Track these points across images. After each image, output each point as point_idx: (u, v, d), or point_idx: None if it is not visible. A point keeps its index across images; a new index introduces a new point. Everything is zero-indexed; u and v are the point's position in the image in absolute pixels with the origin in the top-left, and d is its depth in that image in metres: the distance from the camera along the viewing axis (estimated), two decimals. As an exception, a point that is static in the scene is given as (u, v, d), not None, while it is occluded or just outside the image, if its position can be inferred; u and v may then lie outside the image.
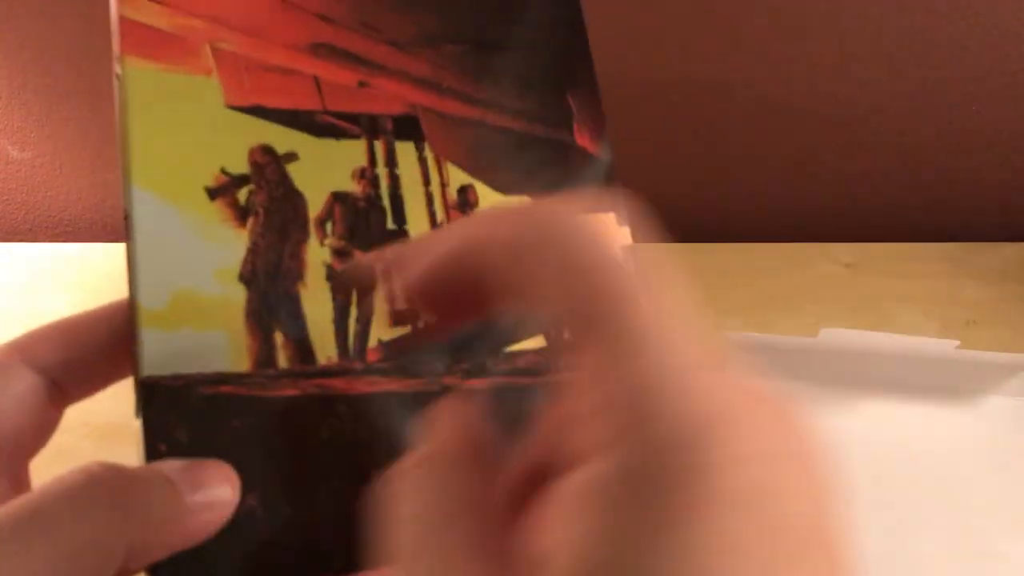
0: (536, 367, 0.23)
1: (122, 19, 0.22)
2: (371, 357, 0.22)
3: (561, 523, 0.13)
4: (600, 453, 0.13)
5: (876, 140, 0.60)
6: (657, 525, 0.12)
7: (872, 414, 0.49)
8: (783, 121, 0.60)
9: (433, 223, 0.24)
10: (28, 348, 0.21)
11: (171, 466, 0.19)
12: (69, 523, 0.16)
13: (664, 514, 0.12)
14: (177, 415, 0.20)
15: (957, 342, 0.47)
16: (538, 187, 0.25)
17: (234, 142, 0.22)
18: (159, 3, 0.22)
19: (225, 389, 0.20)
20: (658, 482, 0.12)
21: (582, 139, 0.26)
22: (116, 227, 0.67)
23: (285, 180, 0.23)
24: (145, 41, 0.22)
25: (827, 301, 0.57)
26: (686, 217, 0.66)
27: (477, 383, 0.23)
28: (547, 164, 0.26)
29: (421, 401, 0.22)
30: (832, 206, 0.65)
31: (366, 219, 0.24)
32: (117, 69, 0.22)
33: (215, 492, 0.19)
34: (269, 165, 0.23)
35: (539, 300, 0.14)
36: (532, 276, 0.14)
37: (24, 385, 0.20)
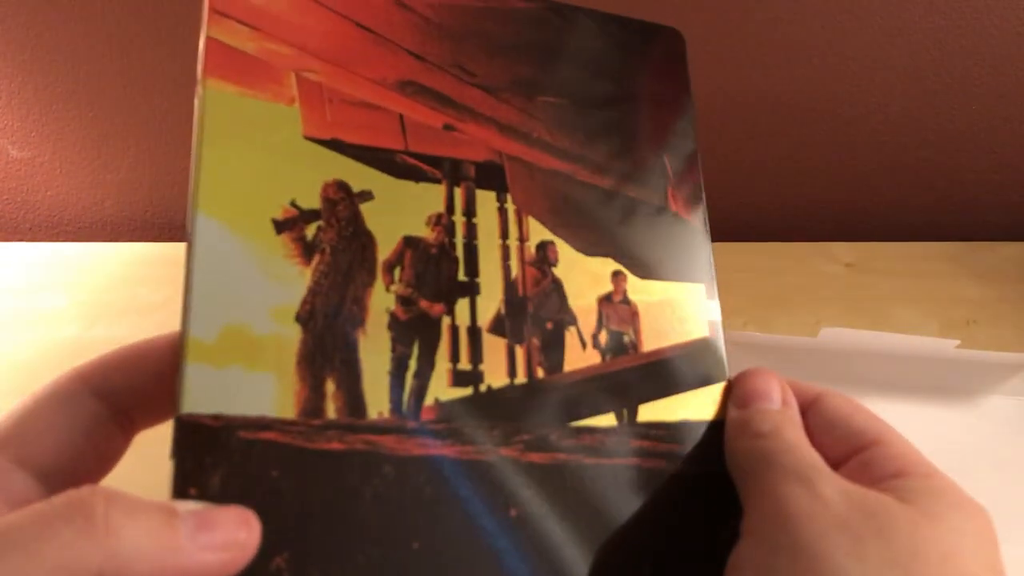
0: (602, 447, 0.22)
1: (209, 40, 0.21)
2: (425, 416, 0.21)
3: None
4: None
5: (876, 140, 0.61)
6: None
7: (872, 414, 0.49)
8: (783, 121, 0.60)
9: (507, 278, 0.23)
10: (93, 375, 0.20)
11: (184, 504, 0.18)
12: (33, 542, 0.15)
13: None
14: (212, 459, 0.19)
15: (957, 342, 0.47)
16: (624, 249, 0.25)
17: (308, 175, 0.21)
18: (250, 27, 0.22)
19: (266, 435, 0.19)
20: None
21: (676, 205, 0.26)
22: (116, 227, 0.67)
23: (357, 219, 0.22)
24: (229, 64, 0.21)
25: (827, 301, 0.57)
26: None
27: (537, 457, 0.21)
28: (636, 226, 0.25)
29: (473, 470, 0.21)
30: (832, 206, 0.65)
31: (436, 267, 0.22)
32: (199, 90, 0.21)
33: (225, 535, 0.17)
34: (342, 202, 0.22)
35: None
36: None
37: (87, 413, 0.19)
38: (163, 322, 0.55)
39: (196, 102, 0.21)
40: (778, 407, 0.23)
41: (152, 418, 0.21)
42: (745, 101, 0.59)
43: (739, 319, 0.55)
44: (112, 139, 0.61)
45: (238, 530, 0.18)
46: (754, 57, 0.56)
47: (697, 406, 0.24)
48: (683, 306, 0.25)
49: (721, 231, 0.63)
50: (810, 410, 0.24)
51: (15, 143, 0.61)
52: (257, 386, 0.19)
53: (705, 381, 0.24)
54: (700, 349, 0.25)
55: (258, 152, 0.21)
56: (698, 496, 0.23)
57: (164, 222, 0.67)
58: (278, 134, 0.21)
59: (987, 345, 0.52)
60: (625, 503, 0.22)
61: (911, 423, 0.52)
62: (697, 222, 0.26)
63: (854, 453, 0.22)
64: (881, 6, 0.53)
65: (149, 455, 0.21)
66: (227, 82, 0.21)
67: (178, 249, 0.60)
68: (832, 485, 0.20)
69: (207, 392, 0.19)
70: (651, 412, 0.23)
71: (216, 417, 0.19)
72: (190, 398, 0.19)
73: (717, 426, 0.24)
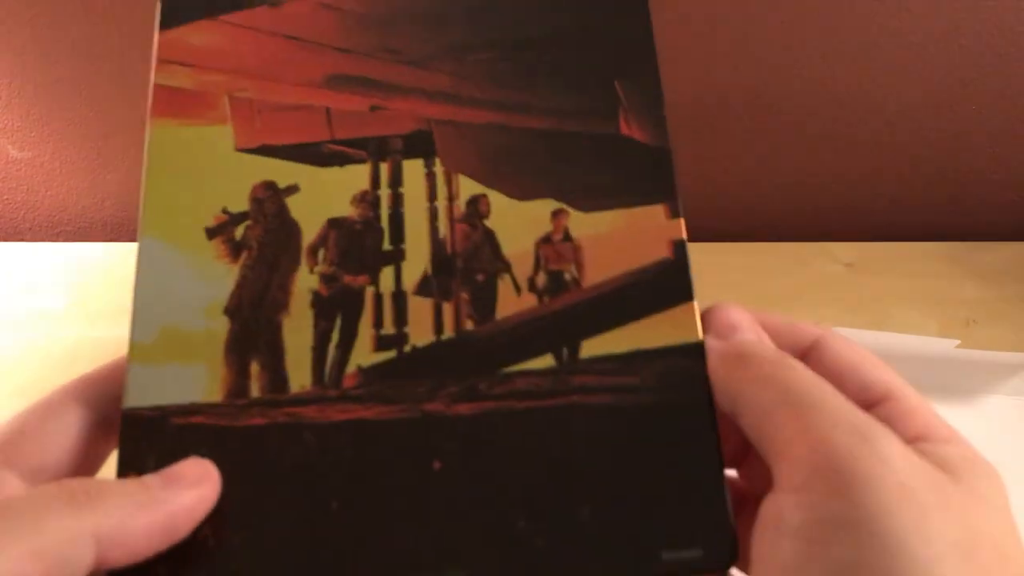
0: (537, 390, 0.22)
1: (156, 87, 0.24)
2: (347, 383, 0.22)
3: (766, 543, 0.18)
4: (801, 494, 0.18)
5: (876, 140, 0.61)
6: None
7: (872, 414, 0.49)
8: (783, 121, 0.60)
9: (434, 239, 0.23)
10: (79, 388, 0.22)
11: (147, 476, 0.20)
12: (33, 514, 0.17)
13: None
14: (149, 444, 0.21)
15: (957, 342, 0.47)
16: (565, 187, 0.24)
17: (239, 183, 0.23)
18: (186, 65, 0.24)
19: (195, 419, 0.21)
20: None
21: (629, 129, 0.25)
22: (116, 227, 0.67)
23: (282, 212, 0.23)
24: (171, 102, 0.24)
25: (827, 301, 0.57)
26: (686, 217, 0.66)
27: (465, 408, 0.21)
28: (579, 161, 0.24)
29: (395, 429, 0.21)
30: (832, 206, 0.65)
31: (360, 242, 0.23)
32: (146, 130, 0.24)
33: (191, 476, 0.20)
34: (269, 199, 0.23)
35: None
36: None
37: (72, 421, 0.21)
38: (163, 322, 0.55)
39: (145, 139, 0.24)
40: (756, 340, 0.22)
41: None
42: (745, 101, 0.59)
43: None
44: (112, 139, 0.61)
45: (197, 468, 0.20)
46: (754, 56, 0.56)
47: (653, 334, 0.22)
48: (637, 231, 0.23)
49: (721, 231, 0.64)
50: (809, 357, 0.22)
51: (15, 143, 0.61)
52: (190, 377, 0.21)
53: (663, 306, 0.23)
54: (658, 272, 0.23)
55: (195, 172, 0.23)
56: (660, 428, 0.21)
57: (164, 222, 0.67)
58: (213, 152, 0.24)
59: (987, 345, 0.52)
60: (565, 444, 0.21)
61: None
62: (655, 140, 0.24)
63: (865, 409, 0.20)
64: (881, 6, 0.53)
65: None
66: (168, 118, 0.24)
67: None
68: (893, 443, 0.18)
69: (147, 388, 0.21)
70: (596, 347, 0.22)
71: (154, 408, 0.21)
72: (132, 394, 0.21)
73: (682, 351, 0.22)
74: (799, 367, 0.20)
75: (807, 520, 0.17)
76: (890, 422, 0.19)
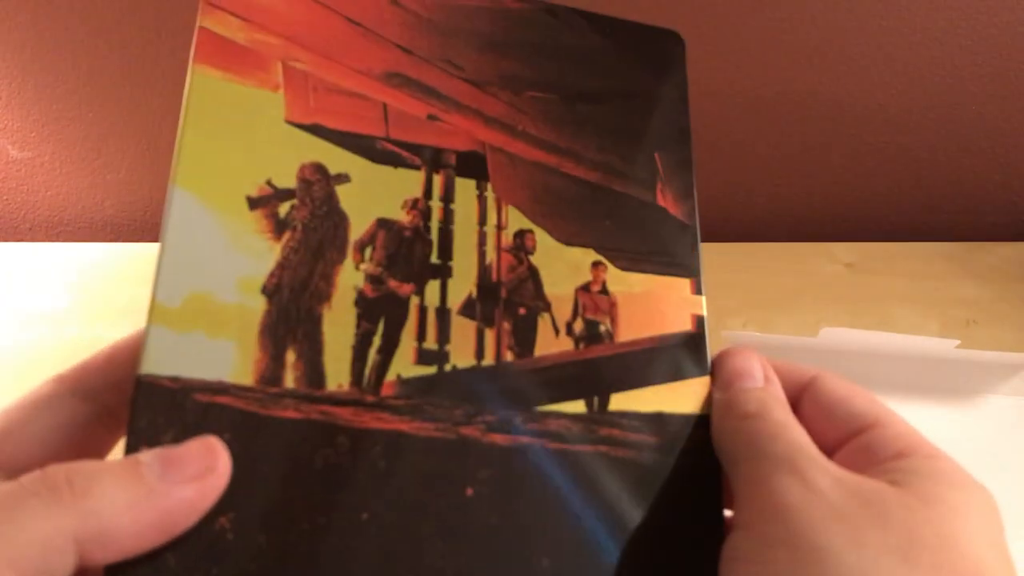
0: (568, 433, 0.22)
1: (201, 29, 0.22)
2: (386, 391, 0.21)
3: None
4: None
5: (876, 140, 0.61)
6: None
7: (872, 414, 0.49)
8: (783, 121, 0.60)
9: (482, 262, 0.23)
10: (73, 378, 0.20)
11: (147, 452, 0.18)
12: (6, 515, 0.15)
13: None
14: (166, 418, 0.19)
15: (957, 342, 0.47)
16: (606, 241, 0.25)
17: (287, 157, 0.22)
18: (241, 18, 0.23)
19: (222, 399, 0.19)
20: None
21: (665, 200, 0.26)
22: (116, 227, 0.67)
23: (331, 200, 0.22)
24: (218, 52, 0.22)
25: (827, 301, 0.57)
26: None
27: (499, 439, 0.21)
28: (621, 219, 0.25)
29: (430, 447, 0.21)
30: (832, 206, 0.65)
31: (409, 249, 0.23)
32: (188, 74, 0.22)
33: (194, 466, 0.18)
34: (318, 183, 0.22)
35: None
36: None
37: (67, 415, 0.20)
38: (163, 322, 0.55)
39: (185, 85, 0.22)
40: (761, 384, 0.23)
41: None
42: (745, 101, 0.59)
43: (739, 319, 0.55)
44: (112, 139, 0.61)
45: (205, 458, 0.18)
46: (754, 57, 0.56)
47: (674, 399, 0.23)
48: (665, 299, 0.25)
49: (721, 231, 0.64)
50: (805, 393, 0.23)
51: (15, 143, 0.61)
52: (217, 352, 0.20)
53: (684, 375, 0.24)
54: (681, 343, 0.24)
55: (239, 134, 0.22)
56: (672, 488, 0.22)
57: (164, 222, 0.67)
58: (260, 118, 0.22)
59: (987, 345, 0.52)
60: (588, 491, 0.21)
61: (911, 422, 0.52)
62: (686, 218, 0.26)
63: (852, 436, 0.22)
64: (881, 6, 0.53)
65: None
66: (214, 68, 0.22)
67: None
68: (825, 474, 0.20)
69: (168, 355, 0.19)
70: (623, 402, 0.23)
71: (174, 379, 0.19)
72: (150, 359, 0.19)
73: (697, 420, 0.23)
74: (764, 419, 0.22)
75: (753, 550, 0.19)
76: (874, 444, 0.21)
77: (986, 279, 0.58)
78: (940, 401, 0.50)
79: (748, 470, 0.21)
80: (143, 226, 0.67)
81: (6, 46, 0.56)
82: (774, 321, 0.55)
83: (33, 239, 0.67)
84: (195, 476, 0.18)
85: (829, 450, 0.22)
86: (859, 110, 0.59)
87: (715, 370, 0.24)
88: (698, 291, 0.25)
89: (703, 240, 0.65)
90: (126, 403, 0.20)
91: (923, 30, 0.54)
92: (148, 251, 0.59)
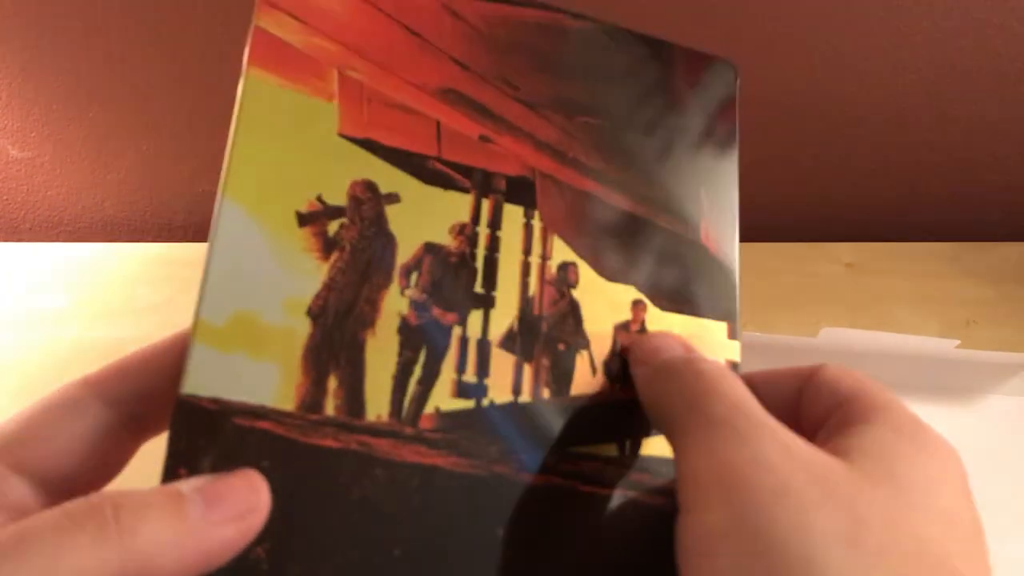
0: (601, 477, 0.22)
1: (256, 29, 0.22)
2: (424, 424, 0.21)
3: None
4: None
5: (876, 140, 0.61)
6: None
7: (872, 414, 0.49)
8: (783, 121, 0.60)
9: (524, 294, 0.23)
10: (100, 382, 0.20)
11: (188, 483, 0.18)
12: (51, 549, 0.15)
13: None
14: (205, 441, 0.19)
15: (957, 342, 0.47)
16: (647, 279, 0.24)
17: (338, 172, 0.22)
18: (299, 20, 0.22)
19: (262, 424, 0.19)
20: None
21: (708, 240, 0.25)
22: (116, 227, 0.67)
23: (380, 220, 0.22)
24: (274, 55, 0.22)
25: (827, 301, 0.57)
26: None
27: (531, 478, 0.21)
28: (664, 257, 0.24)
29: (465, 483, 0.20)
30: (832, 206, 0.65)
31: (454, 276, 0.22)
32: (242, 77, 0.21)
33: (236, 505, 0.18)
34: (368, 202, 0.22)
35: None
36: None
37: (93, 420, 0.19)
38: (163, 322, 0.55)
39: (239, 89, 0.21)
40: (683, 353, 0.22)
41: (163, 423, 0.21)
42: (745, 101, 0.59)
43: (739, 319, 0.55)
44: (112, 139, 0.61)
45: (248, 497, 0.18)
46: (754, 57, 0.56)
47: None
48: (702, 342, 0.24)
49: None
50: (807, 385, 0.22)
51: (15, 143, 0.61)
52: (260, 375, 0.19)
53: None
54: None
55: (291, 144, 0.21)
56: None
57: (164, 222, 0.67)
58: (314, 129, 0.22)
59: (987, 345, 0.52)
60: (620, 537, 0.21)
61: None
62: (728, 260, 0.25)
63: (832, 412, 0.20)
64: (881, 6, 0.53)
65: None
66: (269, 72, 0.21)
67: (178, 249, 0.60)
68: (773, 440, 0.18)
69: (210, 375, 0.19)
70: (657, 447, 0.22)
71: (215, 401, 0.19)
72: (192, 379, 0.19)
73: None
74: (705, 374, 0.20)
75: (697, 536, 0.18)
76: (845, 414, 0.20)
77: (986, 279, 0.58)
78: (940, 401, 0.50)
79: (685, 436, 0.19)
80: (143, 226, 0.67)
81: (6, 46, 0.56)
82: (774, 321, 0.55)
83: (33, 239, 0.67)
84: (238, 516, 0.17)
85: (812, 431, 0.20)
86: (859, 110, 0.59)
87: (629, 353, 0.23)
88: (734, 335, 0.25)
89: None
90: (155, 413, 0.20)
91: (923, 30, 0.54)
92: (148, 251, 0.59)
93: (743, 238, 0.26)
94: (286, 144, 0.21)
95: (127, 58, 0.56)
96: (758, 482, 0.17)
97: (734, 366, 0.24)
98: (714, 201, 0.26)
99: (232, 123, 0.21)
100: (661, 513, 0.22)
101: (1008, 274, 0.59)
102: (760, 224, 0.66)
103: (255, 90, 0.21)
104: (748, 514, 0.17)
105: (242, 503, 0.18)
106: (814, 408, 0.21)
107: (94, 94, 0.58)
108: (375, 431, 0.20)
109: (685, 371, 0.20)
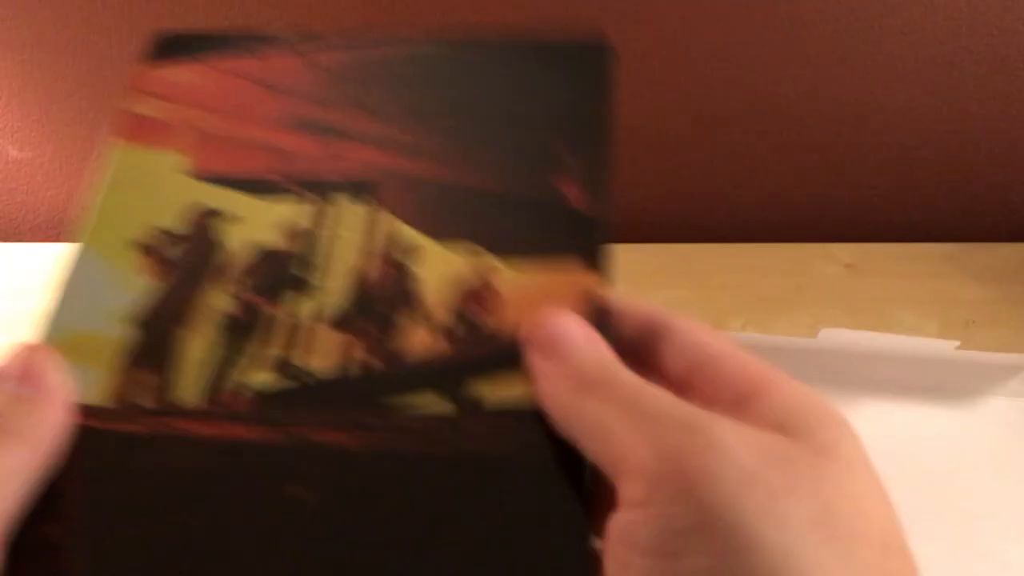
0: (432, 434, 0.21)
1: (125, 113, 0.27)
2: (240, 404, 0.22)
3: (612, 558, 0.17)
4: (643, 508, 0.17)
5: (876, 140, 0.61)
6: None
7: (872, 415, 0.49)
8: (783, 121, 0.60)
9: (356, 275, 0.24)
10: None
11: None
12: None
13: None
14: None
15: (957, 342, 0.47)
16: (496, 242, 0.24)
17: (185, 206, 0.25)
18: (160, 98, 0.27)
19: (83, 421, 0.21)
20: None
21: (572, 200, 0.25)
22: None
23: (219, 238, 0.25)
24: (136, 128, 0.26)
25: (827, 301, 0.57)
26: (687, 218, 0.66)
27: (352, 440, 0.21)
28: (519, 222, 0.25)
29: (272, 454, 0.21)
30: (832, 206, 0.65)
31: (286, 272, 0.24)
32: (109, 150, 0.26)
33: (49, 374, 0.21)
34: (209, 226, 0.25)
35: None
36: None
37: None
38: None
39: (105, 161, 0.25)
40: (593, 347, 0.20)
41: None
42: (745, 101, 0.59)
43: (738, 320, 0.55)
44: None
45: (44, 358, 0.21)
46: (754, 57, 0.56)
47: None
48: (555, 289, 0.23)
49: (721, 232, 0.64)
50: (661, 344, 0.21)
51: (15, 143, 0.61)
52: (87, 380, 0.22)
53: None
54: None
55: (143, 192, 0.25)
56: (553, 487, 0.20)
57: (164, 222, 0.67)
58: (165, 176, 0.26)
59: (987, 345, 0.52)
60: (454, 492, 0.20)
61: (911, 423, 0.52)
62: (596, 212, 0.25)
63: (694, 372, 0.20)
64: (881, 6, 0.53)
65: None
66: (131, 141, 0.26)
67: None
68: (728, 429, 0.17)
69: None
70: (499, 398, 0.22)
71: None
72: None
73: None
74: (621, 375, 0.19)
75: (658, 534, 0.16)
76: (741, 386, 0.19)
77: (986, 279, 0.58)
78: (940, 401, 0.50)
79: (622, 435, 0.18)
80: (143, 226, 0.67)
81: (6, 46, 0.56)
82: (773, 322, 0.55)
83: (33, 239, 0.67)
84: (53, 378, 0.21)
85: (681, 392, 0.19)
86: (859, 110, 0.59)
87: (533, 336, 0.21)
88: (593, 269, 0.24)
89: (704, 240, 0.65)
90: None
91: (923, 30, 0.54)
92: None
93: (744, 238, 0.26)
94: (138, 192, 0.25)
95: (127, 58, 0.56)
96: (722, 469, 0.16)
97: (596, 299, 0.23)
98: (575, 156, 0.26)
99: (97, 186, 0.25)
100: (507, 462, 0.21)
101: (1008, 274, 0.59)
102: (760, 224, 0.66)
103: (116, 157, 0.26)
104: (717, 508, 0.16)
105: (43, 364, 0.21)
106: (674, 366, 0.20)
107: (94, 94, 0.58)
108: (185, 413, 0.22)
109: (611, 381, 0.19)
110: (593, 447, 0.19)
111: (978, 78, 0.57)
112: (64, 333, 0.23)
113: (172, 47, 0.28)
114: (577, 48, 0.28)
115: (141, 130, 0.26)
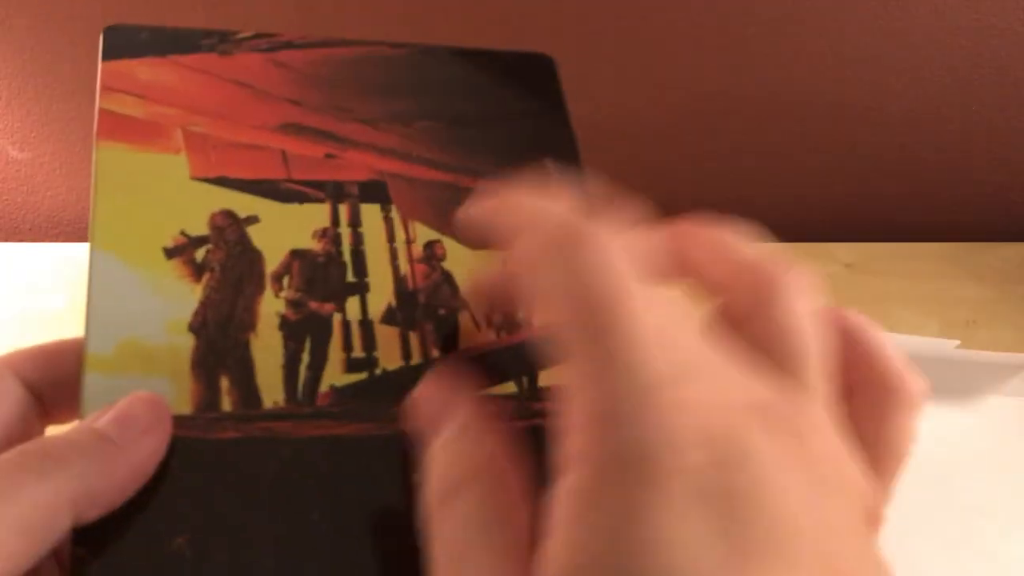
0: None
1: (101, 111, 0.25)
2: (321, 401, 0.22)
3: (552, 526, 0.14)
4: (577, 463, 0.15)
5: (876, 140, 0.61)
6: (621, 524, 0.13)
7: (872, 414, 0.49)
8: (783, 121, 0.60)
9: (396, 274, 0.25)
10: (17, 363, 0.21)
11: (97, 418, 0.19)
12: (7, 494, 0.16)
13: (627, 513, 0.13)
14: None
15: (957, 342, 0.47)
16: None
17: (197, 209, 0.24)
18: (138, 96, 0.26)
19: (175, 432, 0.21)
20: (620, 490, 0.14)
21: None
22: (116, 227, 0.67)
23: (244, 240, 0.24)
24: (119, 127, 0.25)
25: (827, 301, 0.57)
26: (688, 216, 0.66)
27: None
28: None
29: (369, 445, 0.22)
30: (832, 206, 0.65)
31: (324, 272, 0.24)
32: (93, 152, 0.24)
33: (145, 417, 0.19)
34: (229, 227, 0.24)
35: (549, 317, 0.16)
36: (543, 294, 0.16)
37: (14, 396, 0.21)
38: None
39: (92, 160, 0.24)
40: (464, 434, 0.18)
41: (64, 414, 0.22)
42: (745, 101, 0.59)
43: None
44: (112, 139, 0.61)
45: (151, 410, 0.20)
46: (754, 57, 0.56)
47: None
48: None
49: (721, 231, 0.64)
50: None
51: (15, 143, 0.61)
52: (154, 389, 0.21)
53: None
54: None
55: (148, 195, 0.24)
56: None
57: (164, 222, 0.67)
58: (167, 178, 0.25)
59: (987, 345, 0.52)
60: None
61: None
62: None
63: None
64: (881, 6, 0.53)
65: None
66: (118, 142, 0.25)
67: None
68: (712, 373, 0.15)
69: (106, 397, 0.20)
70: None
71: None
72: (90, 403, 0.21)
73: None
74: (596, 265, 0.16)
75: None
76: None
77: (986, 279, 0.58)
78: (940, 401, 0.50)
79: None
80: (143, 226, 0.67)
81: (6, 46, 0.56)
82: (774, 321, 0.55)
83: (33, 239, 0.67)
84: (148, 428, 0.19)
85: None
86: (859, 109, 0.59)
87: (416, 411, 0.20)
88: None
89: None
90: (63, 400, 0.21)
91: (923, 30, 0.54)
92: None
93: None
94: (143, 195, 0.24)
95: (127, 58, 0.56)
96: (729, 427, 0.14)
97: None
98: (559, 168, 0.27)
99: (91, 191, 0.24)
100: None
101: (1008, 274, 0.59)
102: (760, 224, 0.66)
103: (106, 158, 0.24)
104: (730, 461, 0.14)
105: (148, 415, 0.19)
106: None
107: (94, 94, 0.58)
108: (274, 416, 0.22)
109: (564, 252, 0.16)
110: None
111: (978, 78, 0.57)
112: (114, 344, 0.22)
113: (126, 43, 0.27)
114: (523, 60, 0.30)
115: (124, 130, 0.25)
